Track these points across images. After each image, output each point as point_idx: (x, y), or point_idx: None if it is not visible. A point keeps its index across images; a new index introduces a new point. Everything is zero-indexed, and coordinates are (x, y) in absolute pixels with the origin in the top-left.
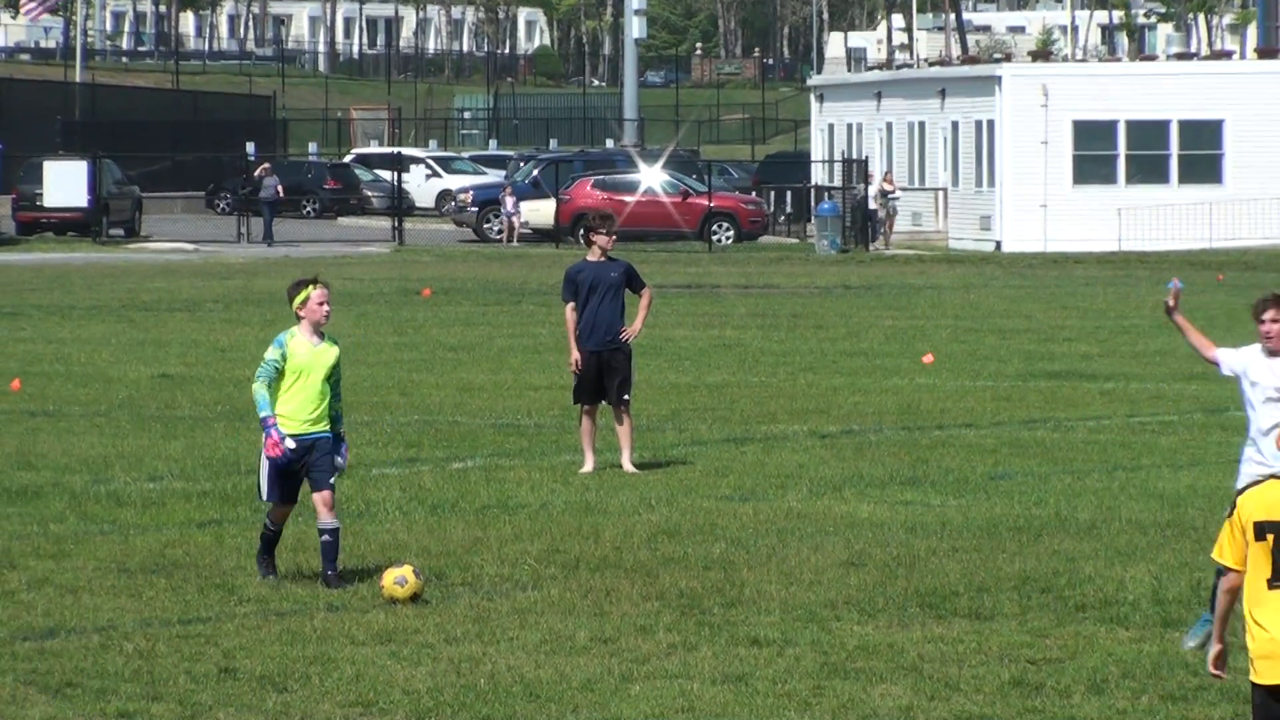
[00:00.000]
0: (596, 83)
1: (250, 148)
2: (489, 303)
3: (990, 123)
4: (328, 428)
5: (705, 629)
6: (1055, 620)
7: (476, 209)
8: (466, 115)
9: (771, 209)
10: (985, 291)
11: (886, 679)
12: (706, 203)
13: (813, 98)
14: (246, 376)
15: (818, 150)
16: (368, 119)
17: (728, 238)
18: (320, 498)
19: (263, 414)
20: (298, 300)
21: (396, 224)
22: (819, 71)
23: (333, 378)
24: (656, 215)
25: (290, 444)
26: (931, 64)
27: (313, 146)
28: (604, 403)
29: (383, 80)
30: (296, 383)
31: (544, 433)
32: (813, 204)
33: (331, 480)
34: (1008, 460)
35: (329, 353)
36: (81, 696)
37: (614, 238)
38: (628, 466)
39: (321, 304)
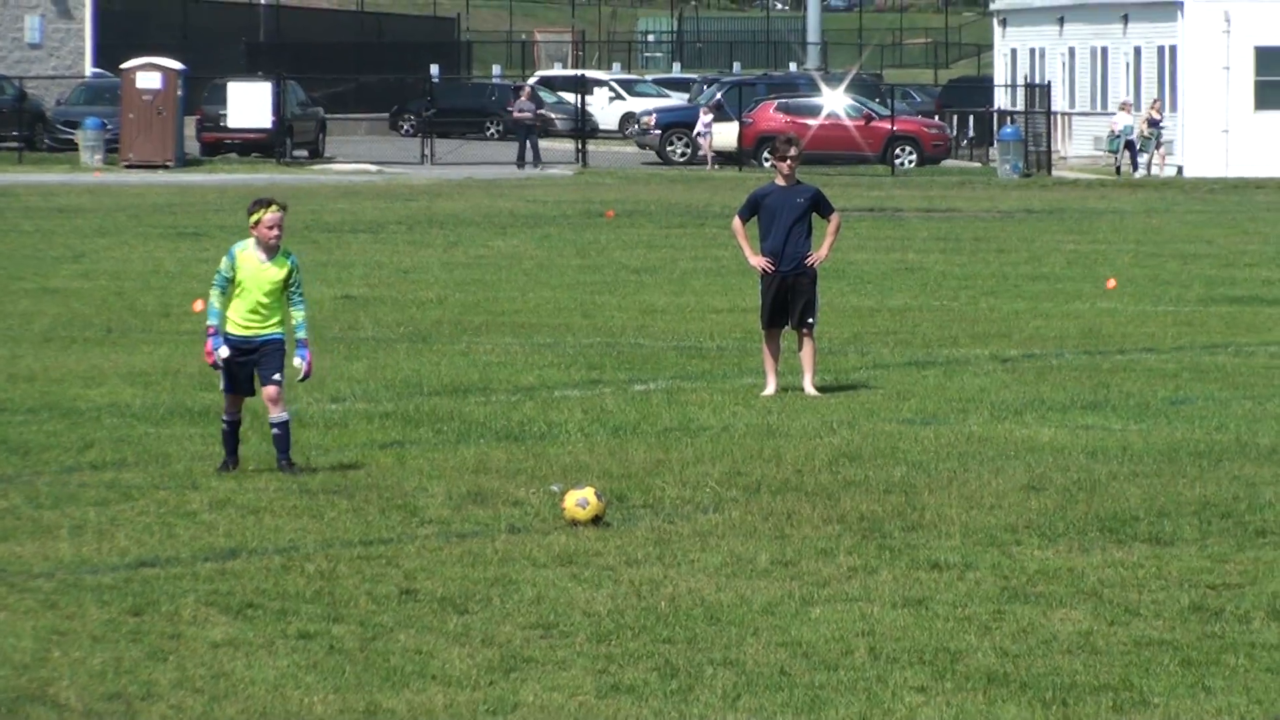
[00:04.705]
0: (780, 6)
1: (434, 70)
2: (672, 225)
3: (1173, 48)
4: (277, 330)
5: (886, 552)
6: (1236, 545)
7: (660, 132)
8: (650, 38)
9: (954, 133)
10: (1167, 217)
11: (1066, 603)
12: (889, 127)
13: (995, 22)
14: (429, 298)
15: (1000, 75)
16: (552, 41)
17: (910, 162)
18: (266, 393)
19: (207, 322)
20: (252, 219)
21: (580, 146)
22: None
23: (288, 289)
24: (839, 139)
25: (224, 352)
26: None
27: (496, 69)
28: (787, 326)
29: (567, 3)
30: (241, 292)
31: (726, 355)
32: (995, 128)
33: (276, 376)
34: (1189, 385)
35: (273, 271)
36: (262, 617)
37: (798, 161)
38: (809, 390)
39: (271, 227)
